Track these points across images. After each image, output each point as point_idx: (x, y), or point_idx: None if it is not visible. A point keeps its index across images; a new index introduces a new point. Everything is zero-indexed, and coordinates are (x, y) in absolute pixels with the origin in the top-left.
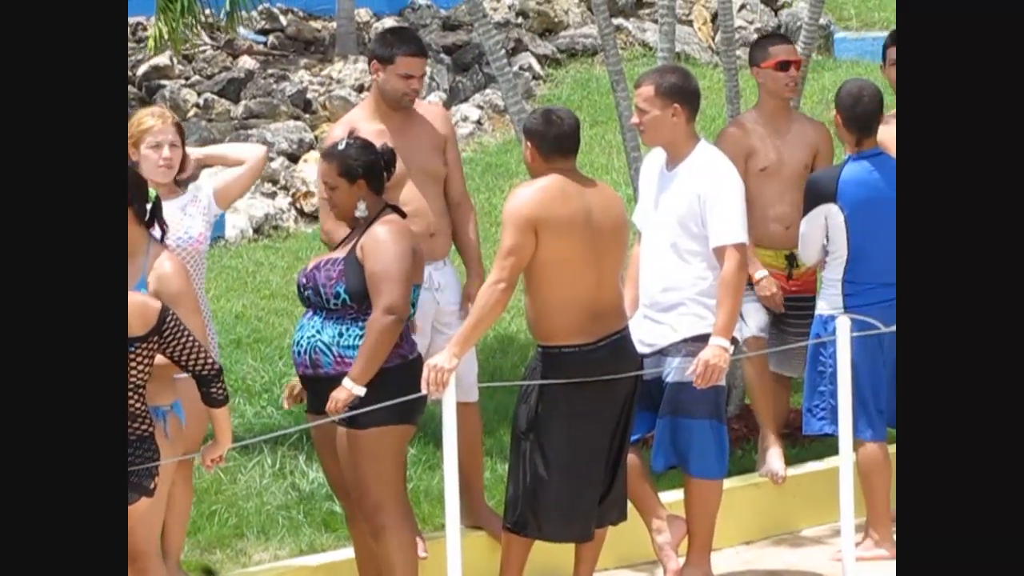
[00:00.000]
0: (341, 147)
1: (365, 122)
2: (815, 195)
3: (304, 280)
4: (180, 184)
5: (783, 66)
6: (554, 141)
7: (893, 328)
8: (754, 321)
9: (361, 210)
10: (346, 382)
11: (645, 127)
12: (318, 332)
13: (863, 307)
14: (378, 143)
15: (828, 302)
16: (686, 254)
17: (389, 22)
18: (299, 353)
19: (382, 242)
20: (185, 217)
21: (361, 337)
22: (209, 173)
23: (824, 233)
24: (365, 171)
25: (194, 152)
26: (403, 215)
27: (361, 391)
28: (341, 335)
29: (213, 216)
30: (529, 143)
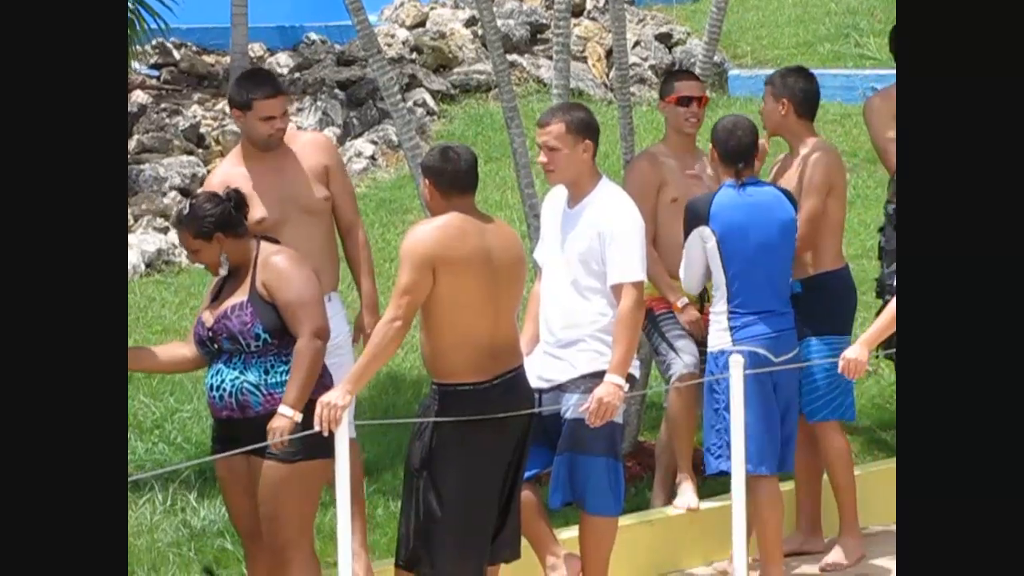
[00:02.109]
0: (185, 212)
1: (234, 167)
2: (691, 218)
3: (211, 333)
4: None
5: (684, 101)
6: (452, 178)
7: (786, 356)
8: (687, 355)
9: (224, 264)
10: (283, 410)
11: (555, 165)
12: (241, 374)
13: (750, 339)
14: (246, 188)
15: (715, 337)
16: (586, 291)
17: (283, 57)
18: (221, 398)
19: (286, 271)
20: None
21: (287, 372)
22: None
23: (703, 259)
24: (217, 224)
25: None
26: (276, 242)
27: (299, 417)
28: (267, 373)
29: None
30: (427, 180)
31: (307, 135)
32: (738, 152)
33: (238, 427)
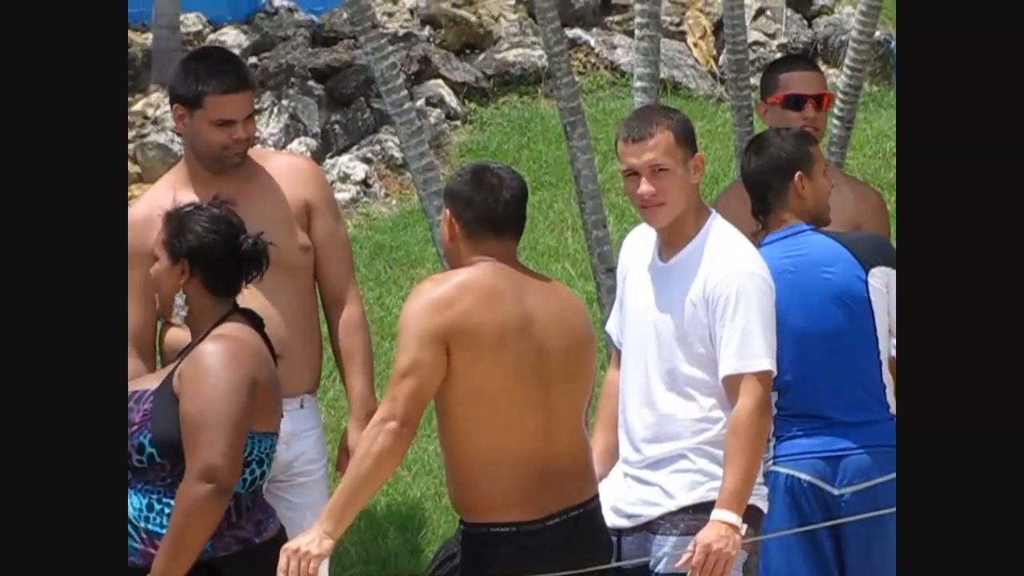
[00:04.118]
0: (188, 208)
1: (169, 193)
2: None
3: None
4: None
5: (793, 102)
6: (486, 212)
7: (854, 488)
8: None
9: (178, 305)
10: None
11: (668, 196)
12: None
13: (790, 459)
14: None
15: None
16: (688, 385)
17: (232, 34)
18: None
19: (205, 368)
20: None
21: None
22: None
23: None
24: (193, 251)
25: None
26: (258, 324)
27: None
28: (151, 508)
29: None
30: (450, 212)
31: (283, 158)
32: (748, 183)
33: None
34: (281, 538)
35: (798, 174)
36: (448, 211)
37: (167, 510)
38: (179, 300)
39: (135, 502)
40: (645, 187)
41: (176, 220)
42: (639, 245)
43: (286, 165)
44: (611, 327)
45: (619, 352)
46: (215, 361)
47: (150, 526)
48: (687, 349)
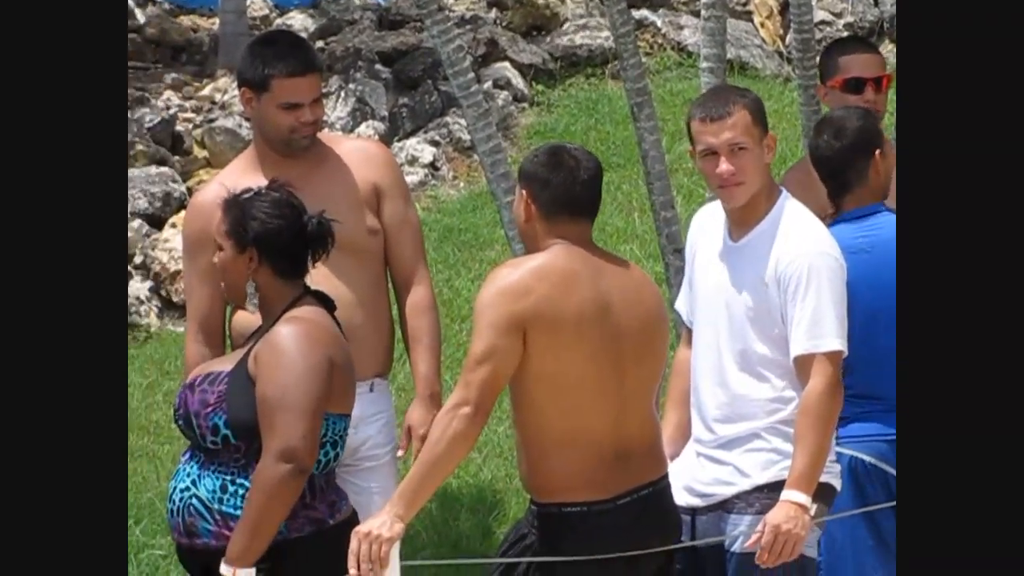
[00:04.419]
0: (248, 195)
1: (240, 178)
2: None
3: (177, 402)
4: None
5: (853, 85)
6: (563, 193)
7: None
8: None
9: (249, 294)
10: (224, 569)
11: (746, 175)
12: (194, 483)
13: (854, 441)
14: None
15: None
16: (760, 365)
17: (299, 19)
18: (172, 513)
19: (282, 351)
20: None
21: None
22: None
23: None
24: (260, 236)
25: None
26: (330, 307)
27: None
28: (224, 489)
29: None
30: (525, 193)
31: (352, 142)
32: (827, 165)
33: (189, 561)
34: (353, 520)
35: (876, 152)
36: (524, 192)
37: (241, 491)
38: (250, 288)
39: (208, 484)
40: (725, 166)
41: (237, 208)
42: (707, 224)
43: (355, 149)
44: (680, 306)
45: (689, 331)
46: (292, 343)
47: (224, 507)
48: (760, 329)
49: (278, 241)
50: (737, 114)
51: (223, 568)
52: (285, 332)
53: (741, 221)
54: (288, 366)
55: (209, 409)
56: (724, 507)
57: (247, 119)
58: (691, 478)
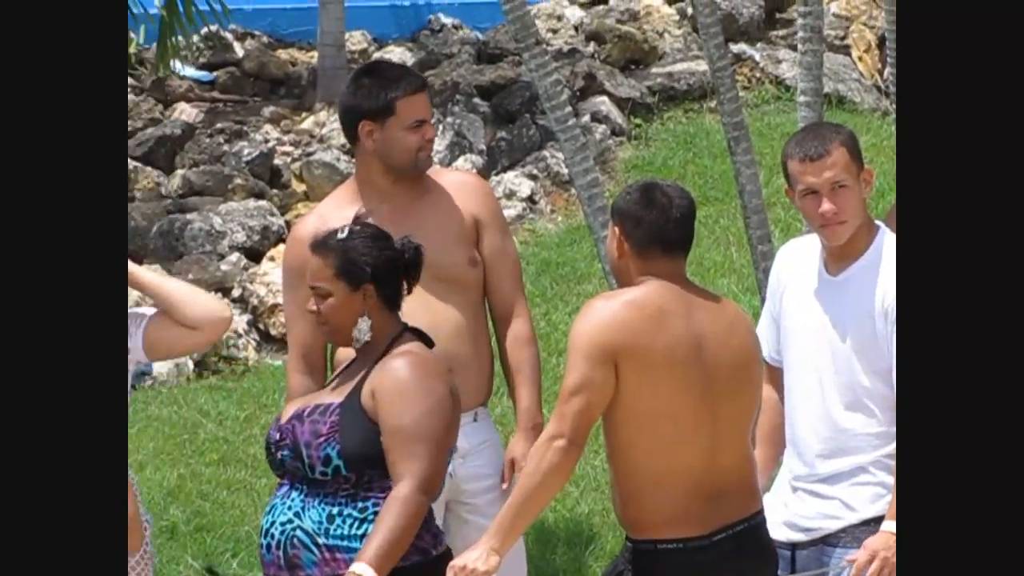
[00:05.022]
0: (343, 235)
1: (345, 209)
2: None
3: (278, 435)
4: None
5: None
6: (656, 230)
7: None
8: None
9: (362, 331)
10: (357, 567)
11: (848, 214)
12: (297, 515)
13: None
14: None
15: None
16: (866, 398)
17: (397, 51)
18: (269, 547)
19: (408, 383)
20: None
21: (362, 523)
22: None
23: None
24: (376, 271)
25: (136, 271)
26: (429, 343)
27: None
28: (331, 520)
29: (132, 364)
30: (619, 230)
31: (452, 174)
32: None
33: None
34: (448, 555)
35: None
36: (617, 229)
37: (348, 520)
38: (363, 324)
39: (313, 515)
40: (827, 206)
41: (340, 251)
42: (795, 260)
43: (456, 181)
44: (762, 342)
45: (771, 367)
46: (416, 377)
47: (329, 540)
48: (866, 363)
49: (391, 272)
50: (836, 152)
51: (357, 567)
52: (405, 365)
53: (841, 256)
54: (419, 398)
55: (321, 439)
56: (827, 541)
57: (347, 153)
58: (792, 513)
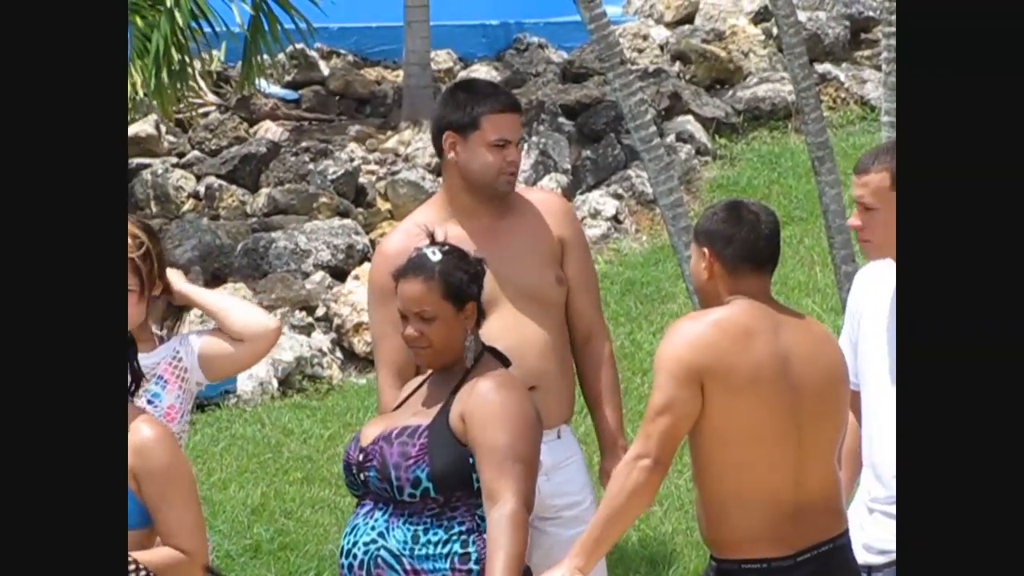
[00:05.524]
0: (435, 256)
1: (436, 226)
2: None
3: (361, 456)
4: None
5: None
6: (746, 248)
7: None
8: None
9: (471, 350)
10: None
11: (873, 233)
12: (382, 535)
13: None
14: None
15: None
16: None
17: (483, 70)
18: (351, 568)
19: (501, 407)
20: (154, 382)
21: (447, 543)
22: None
23: None
24: (479, 290)
25: (183, 287)
26: (506, 363)
27: None
28: (416, 540)
29: (194, 386)
30: (708, 251)
31: (536, 194)
32: None
33: None
34: (529, 573)
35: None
36: (706, 250)
37: (433, 539)
38: (470, 343)
39: (398, 535)
40: (854, 220)
41: (442, 272)
42: (871, 284)
43: (539, 201)
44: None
45: (859, 390)
46: (506, 398)
47: (414, 559)
48: None
49: (481, 289)
50: (875, 175)
51: None
52: (496, 387)
53: None
54: (511, 419)
55: (411, 461)
56: None
57: (432, 171)
58: (868, 535)
